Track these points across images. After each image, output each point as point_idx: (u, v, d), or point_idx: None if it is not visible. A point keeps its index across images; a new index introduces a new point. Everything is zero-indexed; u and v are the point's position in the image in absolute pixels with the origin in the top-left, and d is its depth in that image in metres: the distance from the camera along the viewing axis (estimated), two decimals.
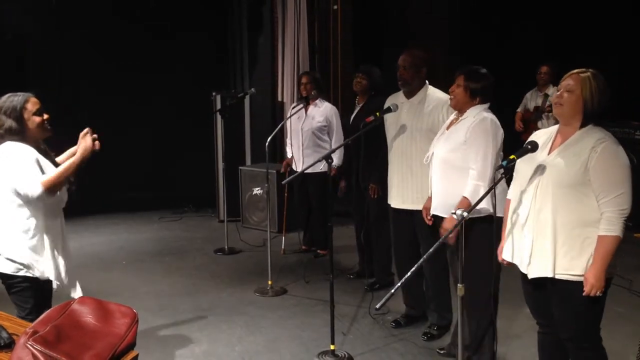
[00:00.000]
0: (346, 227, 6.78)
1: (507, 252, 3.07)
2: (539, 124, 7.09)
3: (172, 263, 6.15)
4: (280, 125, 6.09)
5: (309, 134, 5.98)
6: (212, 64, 8.33)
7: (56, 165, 3.25)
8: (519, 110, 7.47)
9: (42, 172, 3.09)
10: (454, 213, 2.85)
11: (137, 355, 2.20)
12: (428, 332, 4.33)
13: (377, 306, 2.57)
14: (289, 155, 6.33)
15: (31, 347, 1.99)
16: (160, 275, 5.78)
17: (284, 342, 4.32)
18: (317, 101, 6.02)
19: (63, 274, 3.22)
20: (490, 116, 3.59)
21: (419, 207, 4.14)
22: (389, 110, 4.28)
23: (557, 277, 2.82)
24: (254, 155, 7.62)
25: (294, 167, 6.16)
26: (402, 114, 4.30)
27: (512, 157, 2.97)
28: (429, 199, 3.91)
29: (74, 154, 3.20)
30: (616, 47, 7.64)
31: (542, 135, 3.03)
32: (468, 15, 8.78)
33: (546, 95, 7.13)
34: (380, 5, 8.88)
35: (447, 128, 3.76)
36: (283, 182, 4.65)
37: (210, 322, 4.66)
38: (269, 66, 8.14)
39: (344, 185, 5.69)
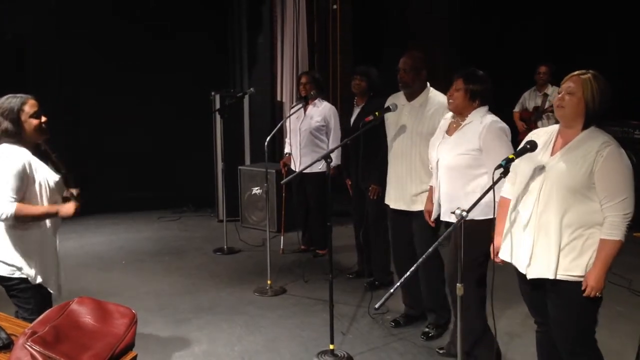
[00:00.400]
0: (345, 226, 6.78)
1: (505, 251, 3.06)
2: (539, 124, 7.07)
3: (172, 263, 6.15)
4: (279, 125, 6.09)
5: (307, 134, 5.98)
6: (212, 64, 8.32)
7: (57, 166, 3.21)
8: (516, 110, 7.43)
9: (32, 181, 3.05)
10: (453, 212, 2.85)
11: (135, 356, 2.20)
12: (427, 331, 4.33)
13: (377, 306, 2.57)
14: (286, 152, 6.33)
15: (30, 348, 1.99)
16: (159, 274, 5.78)
17: (284, 341, 4.32)
18: (317, 101, 6.01)
19: (52, 279, 3.19)
20: (497, 119, 3.59)
21: (417, 208, 4.15)
22: (388, 109, 4.28)
23: (557, 277, 2.82)
24: (253, 155, 7.62)
25: (292, 166, 6.16)
26: (402, 116, 4.29)
27: (511, 156, 2.96)
28: (430, 201, 3.91)
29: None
30: (616, 47, 7.64)
31: (542, 135, 3.02)
32: (468, 15, 8.79)
33: (545, 95, 7.11)
34: (380, 5, 8.88)
35: (449, 133, 3.73)
36: (282, 182, 4.65)
37: (210, 322, 4.66)
38: (268, 66, 8.14)
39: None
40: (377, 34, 8.94)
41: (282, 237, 6.48)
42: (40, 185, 3.08)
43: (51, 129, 3.22)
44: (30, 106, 3.10)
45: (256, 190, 7.19)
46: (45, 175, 3.11)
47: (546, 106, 7.07)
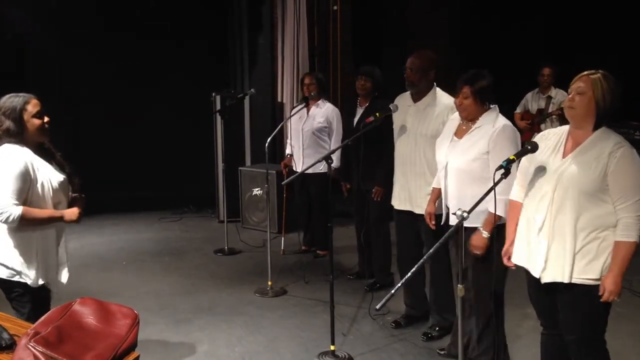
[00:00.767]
0: (346, 227, 6.79)
1: (519, 256, 3.03)
2: (543, 126, 7.02)
3: (172, 263, 6.15)
4: (280, 126, 6.09)
5: (309, 135, 5.98)
6: (212, 65, 8.33)
7: (62, 166, 3.19)
8: (517, 111, 7.38)
9: (35, 182, 3.01)
10: (454, 213, 2.85)
11: (138, 357, 2.20)
12: (428, 332, 4.33)
13: (377, 307, 2.57)
14: (287, 153, 6.33)
15: (32, 348, 1.99)
16: (160, 275, 5.78)
17: (284, 342, 4.32)
18: (320, 102, 6.02)
19: (58, 278, 3.17)
20: (508, 122, 3.55)
21: (420, 210, 4.13)
22: (388, 110, 4.27)
23: (572, 281, 2.80)
24: (254, 156, 7.62)
25: (294, 167, 6.16)
26: (408, 117, 4.28)
27: (511, 157, 2.96)
28: (431, 203, 3.90)
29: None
30: (616, 46, 7.64)
31: (551, 137, 2.99)
32: (468, 15, 8.79)
33: (549, 98, 7.02)
34: (380, 6, 8.88)
35: (458, 135, 3.68)
36: (283, 183, 4.65)
37: (210, 322, 4.66)
38: (268, 67, 8.14)
39: (346, 186, 5.67)
40: (377, 34, 8.94)
41: (282, 238, 6.48)
42: (43, 185, 3.04)
43: (51, 129, 3.20)
44: (33, 105, 3.07)
45: (257, 191, 7.19)
46: (49, 176, 3.08)
47: (550, 109, 7.00)
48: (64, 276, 3.26)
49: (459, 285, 2.84)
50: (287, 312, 4.85)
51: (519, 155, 3.01)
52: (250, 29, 8.13)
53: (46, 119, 3.12)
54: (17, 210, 2.93)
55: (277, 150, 7.93)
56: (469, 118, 3.62)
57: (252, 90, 6.78)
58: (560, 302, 2.91)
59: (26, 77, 7.55)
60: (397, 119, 4.39)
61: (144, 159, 7.83)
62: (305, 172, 4.80)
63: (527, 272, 3.01)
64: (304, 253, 6.37)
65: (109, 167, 7.65)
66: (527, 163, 2.98)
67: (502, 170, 2.88)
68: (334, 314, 4.02)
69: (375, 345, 4.25)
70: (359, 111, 5.32)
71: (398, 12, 8.93)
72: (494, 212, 3.21)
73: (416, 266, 2.63)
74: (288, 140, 6.37)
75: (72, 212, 3.14)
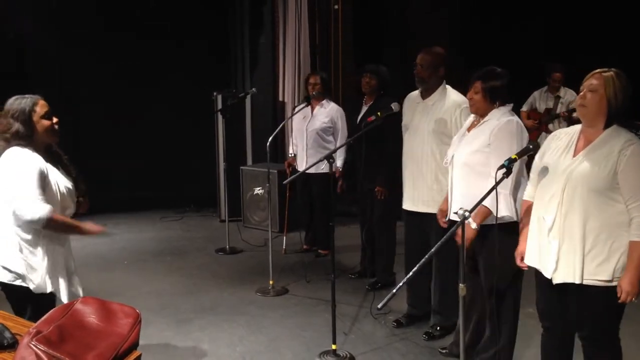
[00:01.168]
0: (347, 226, 6.79)
1: (531, 256, 3.02)
2: (550, 126, 6.97)
3: (174, 263, 6.15)
4: (281, 125, 6.09)
5: (314, 135, 5.98)
6: (213, 64, 8.32)
7: (68, 169, 3.15)
8: (524, 109, 7.29)
9: (49, 184, 2.96)
10: (456, 213, 2.84)
11: (140, 356, 2.20)
12: (430, 332, 4.32)
13: (379, 306, 2.56)
14: (290, 154, 6.34)
15: (34, 347, 1.99)
16: (161, 274, 5.79)
17: (286, 341, 4.32)
18: (324, 102, 6.03)
19: (64, 289, 3.09)
20: (516, 119, 3.48)
21: (430, 210, 4.12)
22: (390, 109, 4.26)
23: (584, 282, 2.78)
24: (255, 155, 7.62)
25: (297, 167, 6.16)
26: (415, 114, 4.26)
27: (513, 156, 2.95)
28: (445, 201, 3.84)
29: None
30: (617, 46, 7.63)
31: (563, 137, 2.98)
32: (468, 15, 8.77)
33: (558, 97, 6.96)
34: (381, 5, 8.87)
35: (468, 130, 3.67)
36: (284, 182, 4.64)
37: (212, 322, 4.66)
38: (269, 66, 8.14)
39: (342, 184, 5.68)
40: (378, 34, 8.93)
41: (284, 237, 6.48)
42: (52, 189, 2.99)
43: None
44: (41, 107, 3.02)
45: (258, 190, 7.19)
46: (57, 180, 3.03)
47: (558, 109, 6.93)
48: (79, 289, 3.19)
49: (460, 285, 2.84)
50: (288, 312, 4.85)
51: (521, 155, 3.00)
52: (251, 28, 8.12)
53: (55, 119, 3.08)
54: (46, 210, 2.87)
55: (279, 149, 7.93)
56: (478, 113, 3.59)
57: (253, 89, 6.77)
58: (573, 302, 2.90)
59: (26, 77, 7.54)
60: (405, 117, 4.37)
61: (145, 159, 7.83)
62: (308, 171, 4.79)
63: (536, 273, 3.00)
64: (305, 252, 6.38)
65: (110, 167, 7.64)
66: (540, 162, 2.97)
67: (504, 170, 2.89)
68: (335, 313, 4.02)
69: (376, 345, 4.25)
70: (364, 109, 5.32)
71: (398, 12, 8.91)
72: (487, 205, 3.22)
73: (417, 265, 2.62)
74: (291, 140, 6.37)
75: (93, 228, 3.08)
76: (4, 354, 2.20)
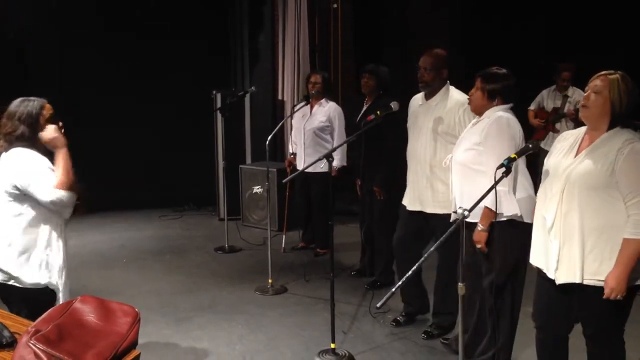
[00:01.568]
0: (347, 225, 6.79)
1: (535, 256, 3.02)
2: (557, 126, 6.92)
3: (173, 261, 6.16)
4: (280, 124, 6.08)
5: (311, 134, 5.98)
6: (213, 63, 8.31)
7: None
8: (531, 108, 7.20)
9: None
10: (455, 212, 2.84)
11: (139, 355, 2.20)
12: (429, 331, 4.33)
13: (378, 305, 2.57)
14: (289, 153, 6.34)
15: (33, 346, 1.99)
16: (160, 273, 5.79)
17: (285, 340, 4.32)
18: (323, 101, 6.03)
19: (63, 287, 3.10)
20: (507, 115, 3.47)
21: (434, 210, 4.12)
22: (389, 109, 4.25)
23: (585, 282, 2.78)
24: (254, 154, 7.62)
25: (296, 165, 6.16)
26: (419, 116, 4.25)
27: (513, 155, 2.96)
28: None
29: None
30: (618, 45, 7.62)
31: (568, 138, 2.98)
32: (468, 15, 8.77)
33: (565, 97, 6.88)
34: (380, 4, 8.87)
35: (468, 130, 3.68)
36: (283, 181, 4.64)
37: (211, 321, 4.66)
38: (269, 65, 8.13)
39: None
40: (377, 34, 8.93)
41: (283, 236, 6.48)
42: None
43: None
44: (47, 110, 3.06)
45: (257, 189, 7.19)
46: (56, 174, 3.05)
47: (566, 108, 6.88)
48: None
49: (459, 284, 2.84)
50: (287, 310, 4.86)
51: (520, 154, 3.02)
52: (250, 27, 8.12)
53: (60, 123, 3.11)
54: (61, 192, 2.93)
55: (278, 148, 7.93)
56: (476, 111, 3.60)
57: (252, 88, 6.78)
58: (575, 302, 2.89)
59: (27, 77, 7.53)
60: (409, 120, 4.37)
61: (144, 157, 7.82)
62: (307, 170, 4.79)
63: (539, 272, 3.00)
64: (302, 250, 6.38)
65: (110, 165, 7.64)
66: (547, 163, 2.97)
67: (504, 169, 2.89)
68: (334, 312, 4.02)
69: (375, 344, 4.25)
70: (364, 109, 5.31)
71: (398, 12, 8.91)
72: (489, 206, 3.24)
73: (417, 264, 2.63)
74: (291, 139, 6.37)
75: (54, 138, 3.05)
76: (3, 353, 2.20)
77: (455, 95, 4.15)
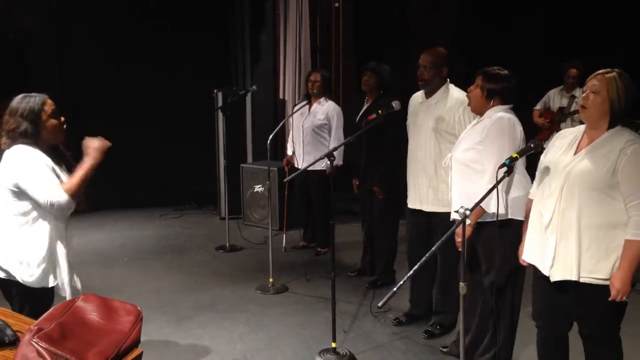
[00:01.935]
0: (347, 224, 6.79)
1: (529, 253, 3.02)
2: (563, 125, 6.88)
3: (174, 260, 6.16)
4: (282, 123, 6.09)
5: (310, 131, 5.98)
6: (214, 62, 8.32)
7: (72, 167, 3.15)
8: (537, 107, 7.16)
9: (58, 179, 3.00)
10: (456, 211, 2.84)
11: (141, 353, 2.20)
12: (430, 330, 4.33)
13: (380, 304, 2.56)
14: (289, 152, 6.34)
15: (36, 344, 2.00)
16: (161, 272, 5.79)
17: (285, 339, 4.32)
18: (322, 99, 6.03)
19: (66, 284, 3.10)
20: (508, 115, 3.46)
21: (434, 208, 4.12)
22: (391, 108, 4.25)
23: (581, 280, 2.78)
24: (255, 153, 7.62)
25: (295, 163, 6.16)
26: (419, 114, 4.25)
27: (514, 155, 2.96)
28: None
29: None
30: (619, 43, 7.61)
31: (567, 135, 2.98)
32: (468, 14, 8.77)
33: (573, 97, 6.82)
34: (382, 4, 8.87)
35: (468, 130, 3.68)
36: (285, 180, 4.64)
37: (212, 320, 4.66)
38: (270, 64, 8.13)
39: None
40: (378, 32, 8.93)
41: (284, 235, 6.48)
42: None
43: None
44: (49, 106, 3.05)
45: (258, 188, 7.19)
46: (61, 177, 3.06)
47: (572, 108, 6.84)
48: (79, 285, 3.21)
49: (460, 284, 2.84)
50: (288, 310, 4.86)
51: (522, 154, 3.02)
52: (252, 26, 8.12)
53: (62, 118, 3.11)
54: (62, 195, 2.93)
55: (279, 147, 7.93)
56: (476, 110, 3.60)
57: (254, 87, 6.78)
58: (571, 300, 2.89)
59: (27, 76, 7.53)
60: (409, 118, 4.37)
61: (145, 156, 7.82)
62: (306, 169, 4.80)
63: (535, 270, 3.00)
64: (303, 249, 6.38)
65: (111, 164, 7.60)
66: (544, 160, 2.96)
67: (505, 169, 2.89)
68: (335, 311, 4.02)
69: (376, 343, 4.26)
70: (365, 108, 5.31)
71: (399, 11, 8.91)
72: (482, 204, 3.20)
73: (418, 264, 2.62)
74: (289, 138, 6.37)
75: (97, 147, 3.15)
76: (5, 351, 2.20)
77: (455, 94, 4.14)
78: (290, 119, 6.15)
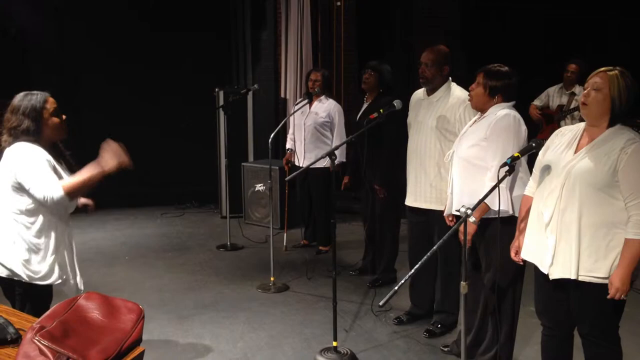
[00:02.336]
0: (349, 223, 6.79)
1: (528, 251, 3.02)
2: (562, 123, 6.86)
3: (175, 259, 6.16)
4: (283, 122, 6.09)
5: (311, 129, 5.99)
6: (216, 60, 8.33)
7: (71, 166, 3.16)
8: (535, 103, 7.11)
9: (59, 176, 3.01)
10: (458, 210, 2.84)
11: (143, 351, 2.20)
12: (431, 329, 4.33)
13: (381, 303, 2.57)
14: (288, 145, 6.34)
15: (38, 342, 2.00)
16: (162, 270, 5.79)
17: (286, 338, 4.32)
18: (322, 97, 6.04)
19: (69, 282, 3.12)
20: (513, 113, 3.46)
21: (433, 206, 4.12)
22: (392, 107, 4.25)
23: (580, 279, 2.78)
24: (257, 152, 7.63)
25: (295, 162, 6.16)
26: (420, 112, 4.25)
27: (516, 154, 2.96)
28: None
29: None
30: (621, 41, 7.62)
31: (567, 133, 2.98)
32: (470, 12, 8.78)
33: (572, 94, 6.80)
34: (383, 2, 8.87)
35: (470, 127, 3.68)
36: (286, 179, 4.64)
37: (213, 318, 4.67)
38: (272, 63, 8.14)
39: (348, 181, 5.68)
40: (380, 31, 8.93)
41: (285, 234, 6.48)
42: None
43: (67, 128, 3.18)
44: (50, 104, 3.05)
45: (259, 186, 7.19)
46: (62, 175, 3.06)
47: (572, 106, 6.79)
48: (81, 283, 3.22)
49: (462, 283, 2.84)
50: (289, 308, 4.86)
51: (524, 153, 3.01)
52: (253, 25, 8.12)
53: (64, 116, 3.11)
54: (60, 188, 2.92)
55: (280, 146, 7.93)
56: (478, 108, 3.60)
57: (255, 86, 6.78)
58: (571, 298, 2.90)
59: (28, 73, 7.53)
60: (410, 115, 4.36)
61: (146, 154, 7.78)
62: (308, 167, 4.80)
63: (535, 268, 3.00)
64: (304, 247, 6.38)
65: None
66: (542, 159, 2.96)
67: (507, 167, 2.89)
68: (336, 310, 4.02)
69: (377, 342, 4.26)
70: (365, 107, 5.31)
71: (401, 9, 8.92)
72: (486, 201, 3.19)
73: (419, 263, 2.63)
74: (289, 136, 6.37)
75: (111, 157, 3.10)
76: (7, 349, 2.20)
77: (457, 92, 4.14)
78: (291, 118, 6.15)
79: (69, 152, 3.23)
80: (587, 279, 2.78)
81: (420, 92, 4.34)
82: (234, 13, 8.37)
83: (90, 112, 7.77)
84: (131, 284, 5.40)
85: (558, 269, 2.84)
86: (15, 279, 2.99)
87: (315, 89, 5.94)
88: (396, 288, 2.50)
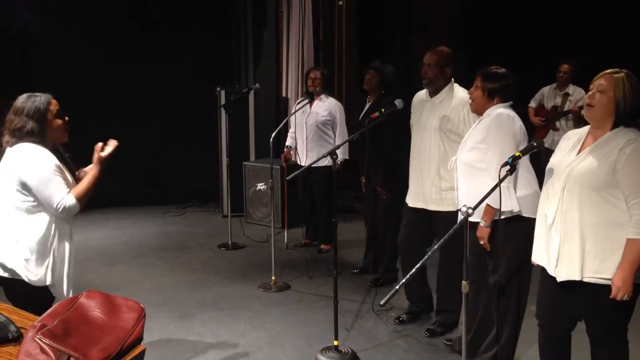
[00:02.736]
0: (350, 222, 6.79)
1: (537, 253, 3.02)
2: (557, 124, 6.86)
3: (176, 258, 6.16)
4: (284, 121, 6.10)
5: (313, 128, 5.99)
6: (217, 60, 8.32)
7: (70, 167, 3.18)
8: (531, 105, 7.11)
9: (65, 179, 3.03)
10: (460, 210, 2.84)
11: (144, 350, 2.20)
12: (432, 329, 4.33)
13: (382, 302, 2.57)
14: (288, 143, 6.33)
15: (39, 341, 2.00)
16: (163, 269, 5.80)
17: (287, 337, 4.33)
18: (322, 96, 6.04)
19: (65, 282, 3.11)
20: (507, 111, 3.47)
21: (436, 207, 4.12)
22: (394, 106, 4.25)
23: (585, 280, 2.77)
24: (258, 151, 7.63)
25: (297, 161, 6.16)
26: (423, 113, 4.24)
27: (517, 153, 2.96)
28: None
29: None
30: (621, 41, 7.61)
31: (572, 136, 2.98)
32: (471, 13, 8.78)
33: (566, 95, 6.79)
34: (385, 2, 8.87)
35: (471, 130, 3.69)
36: (288, 178, 4.63)
37: (214, 317, 4.67)
38: (273, 62, 8.14)
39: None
40: (381, 31, 8.93)
41: (286, 233, 6.49)
42: None
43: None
44: (54, 106, 3.07)
45: (261, 186, 7.20)
46: (68, 177, 3.08)
47: (566, 108, 6.78)
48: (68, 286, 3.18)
49: (463, 282, 2.84)
50: (290, 308, 4.86)
51: (525, 152, 3.01)
52: (255, 24, 8.12)
53: (66, 118, 3.12)
54: (71, 199, 2.99)
55: (281, 145, 7.92)
56: (477, 111, 3.61)
57: (256, 85, 6.79)
58: (578, 299, 2.89)
59: (29, 73, 7.53)
60: (413, 116, 4.36)
61: (148, 154, 7.83)
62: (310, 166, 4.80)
63: (542, 270, 3.00)
64: (305, 246, 6.39)
65: (113, 162, 7.61)
66: (550, 162, 2.97)
67: (508, 167, 2.89)
68: (337, 309, 4.02)
69: (378, 341, 4.26)
70: (367, 107, 5.31)
71: (402, 9, 8.92)
72: (490, 203, 3.24)
73: (421, 262, 2.63)
74: (289, 134, 6.37)
75: (96, 161, 3.19)
76: (9, 348, 2.20)
77: (459, 94, 4.14)
78: (292, 117, 6.16)
79: (67, 154, 3.24)
80: (593, 280, 2.77)
81: (422, 94, 4.34)
82: (235, 12, 8.37)
83: (91, 112, 7.77)
84: (132, 282, 5.40)
85: (563, 271, 2.84)
86: (17, 279, 2.99)
87: (316, 88, 5.94)
88: (397, 287, 2.51)
